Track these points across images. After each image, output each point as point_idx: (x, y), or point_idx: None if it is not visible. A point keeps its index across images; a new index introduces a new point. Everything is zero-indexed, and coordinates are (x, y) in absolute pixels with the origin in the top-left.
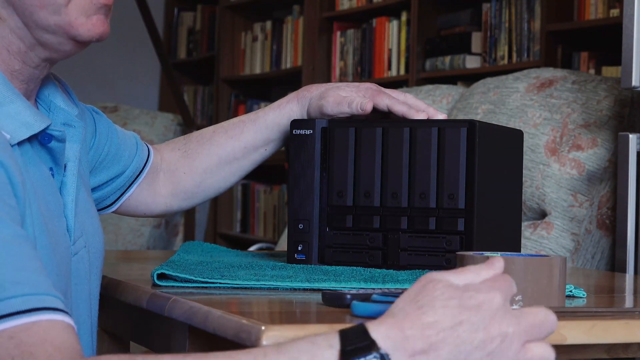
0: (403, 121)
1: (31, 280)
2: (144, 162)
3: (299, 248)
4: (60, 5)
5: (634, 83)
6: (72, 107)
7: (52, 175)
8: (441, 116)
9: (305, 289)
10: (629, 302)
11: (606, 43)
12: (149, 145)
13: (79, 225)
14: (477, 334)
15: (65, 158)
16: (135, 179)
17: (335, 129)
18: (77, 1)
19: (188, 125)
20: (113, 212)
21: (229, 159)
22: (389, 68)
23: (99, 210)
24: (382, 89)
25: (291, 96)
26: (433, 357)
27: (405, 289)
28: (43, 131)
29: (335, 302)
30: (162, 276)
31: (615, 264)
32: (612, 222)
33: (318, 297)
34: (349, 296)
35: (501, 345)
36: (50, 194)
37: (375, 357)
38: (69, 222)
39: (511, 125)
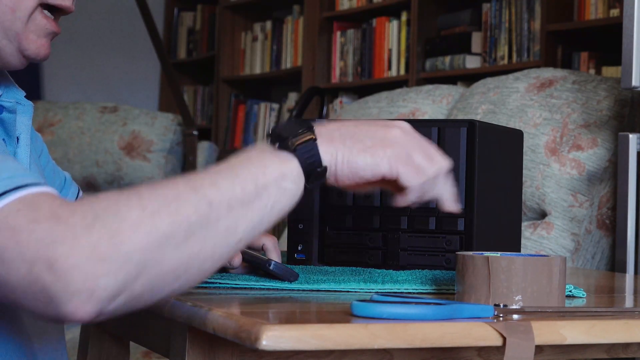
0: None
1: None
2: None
3: (299, 248)
4: (26, 14)
5: (634, 83)
6: (20, 90)
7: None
8: None
9: (305, 289)
10: (629, 302)
11: (606, 43)
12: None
13: None
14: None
15: (17, 131)
16: None
17: None
18: (35, 19)
19: (188, 125)
20: None
21: None
22: (389, 68)
23: None
24: None
25: None
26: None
27: (405, 290)
28: None
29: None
30: None
31: (615, 264)
32: (612, 222)
33: (318, 297)
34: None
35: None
36: None
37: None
38: None
39: (511, 125)
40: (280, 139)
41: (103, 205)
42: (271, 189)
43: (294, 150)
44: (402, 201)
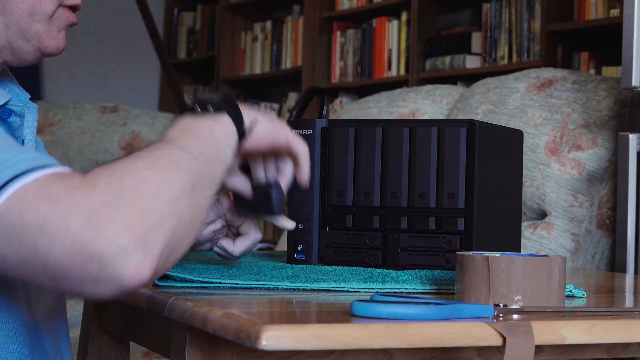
0: (403, 121)
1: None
2: None
3: (299, 248)
4: (47, 16)
5: (634, 83)
6: (25, 93)
7: None
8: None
9: (305, 289)
10: (629, 302)
11: (606, 43)
12: None
13: None
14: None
15: (22, 134)
16: None
17: (335, 129)
18: (57, 16)
19: None
20: None
21: None
22: (389, 68)
23: None
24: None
25: None
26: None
27: (405, 290)
28: (3, 106)
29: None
30: (162, 276)
31: (615, 264)
32: (612, 222)
33: (318, 297)
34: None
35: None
36: None
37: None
38: None
39: (511, 125)
40: (207, 103)
41: (119, 169)
42: (222, 145)
43: (226, 111)
44: (304, 174)
